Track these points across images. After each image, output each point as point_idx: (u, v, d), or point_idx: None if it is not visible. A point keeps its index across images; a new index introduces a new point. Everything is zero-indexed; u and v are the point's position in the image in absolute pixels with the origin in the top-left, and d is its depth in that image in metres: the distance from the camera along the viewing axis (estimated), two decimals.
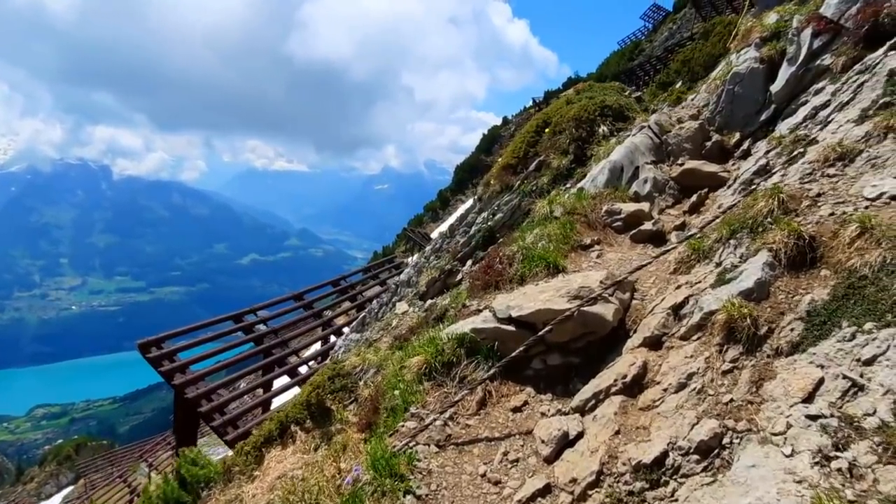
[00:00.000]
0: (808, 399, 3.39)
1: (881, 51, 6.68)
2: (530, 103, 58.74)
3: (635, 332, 5.09)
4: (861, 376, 3.28)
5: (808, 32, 7.82)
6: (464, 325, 5.81)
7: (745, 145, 8.22)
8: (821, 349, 3.62)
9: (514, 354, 4.92)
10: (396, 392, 5.48)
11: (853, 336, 3.51)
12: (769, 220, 5.13)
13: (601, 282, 5.30)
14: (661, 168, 8.12)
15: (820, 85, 7.48)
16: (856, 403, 3.19)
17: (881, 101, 5.84)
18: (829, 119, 6.62)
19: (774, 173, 5.91)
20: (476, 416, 5.00)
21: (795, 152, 6.26)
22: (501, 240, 11.52)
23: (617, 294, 5.32)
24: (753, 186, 6.04)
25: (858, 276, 3.82)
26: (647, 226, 6.80)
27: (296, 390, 17.46)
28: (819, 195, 5.14)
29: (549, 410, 4.92)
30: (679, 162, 8.16)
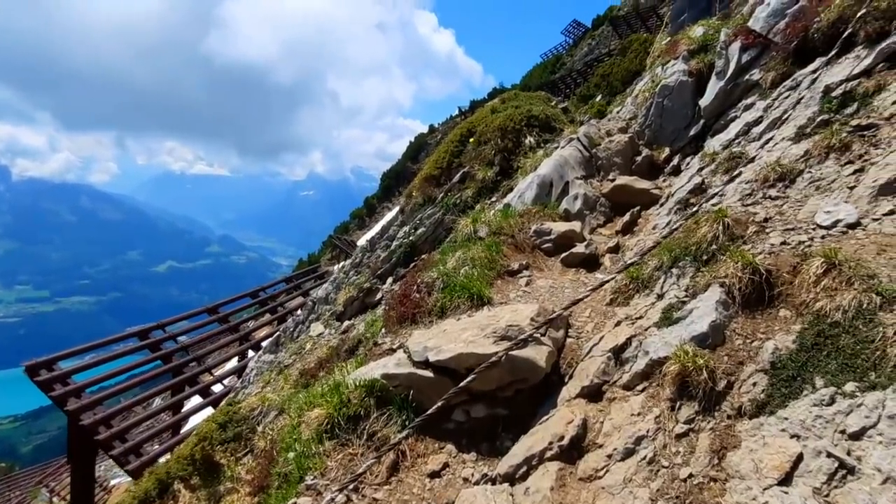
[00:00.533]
0: (786, 480, 2.72)
1: (811, 67, 6.36)
2: (456, 112, 58.49)
3: (571, 377, 4.35)
4: (849, 454, 2.63)
5: (736, 46, 7.47)
6: (374, 369, 4.89)
7: (675, 161, 7.79)
8: (794, 413, 2.97)
9: (430, 412, 4.05)
10: (291, 455, 4.48)
11: (832, 399, 2.87)
12: (714, 246, 4.55)
13: (532, 319, 4.53)
14: (592, 183, 7.54)
15: (749, 100, 7.13)
16: (847, 491, 2.53)
17: (819, 119, 5.44)
18: (763, 136, 6.21)
19: (714, 194, 5.37)
20: (386, 486, 4.09)
21: (736, 171, 5.78)
22: (424, 257, 10.68)
23: (550, 332, 4.57)
24: (694, 207, 5.49)
25: (829, 321, 3.22)
26: (580, 248, 6.13)
27: (209, 411, 15.92)
28: (766, 220, 4.61)
29: (472, 475, 4.08)
30: (610, 177, 7.61)
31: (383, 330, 6.33)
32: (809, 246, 3.90)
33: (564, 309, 4.60)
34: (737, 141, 6.57)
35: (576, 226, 6.50)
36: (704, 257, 4.57)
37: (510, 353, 4.21)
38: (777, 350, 3.33)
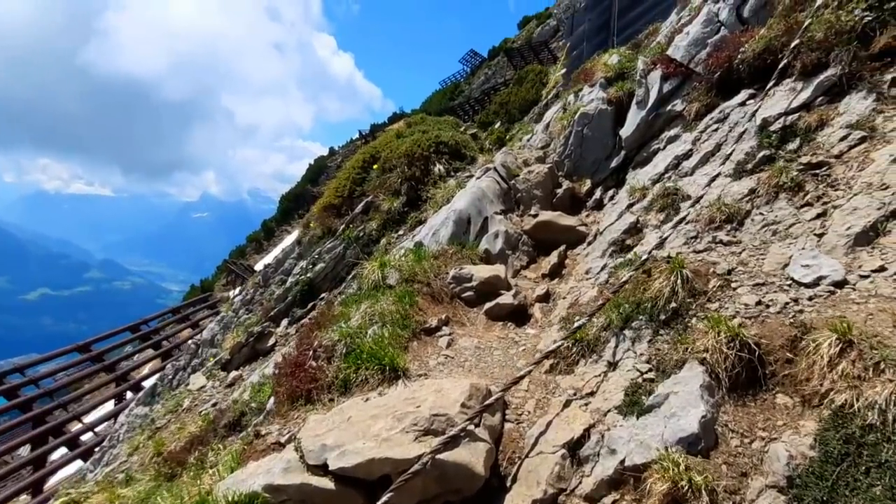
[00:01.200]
0: None
1: (738, 99, 5.92)
2: (357, 135, 57.04)
3: (515, 480, 3.31)
4: None
5: (656, 75, 6.99)
6: (255, 475, 3.59)
7: (598, 194, 7.15)
8: None
9: None
10: None
11: None
12: (674, 304, 3.76)
13: (463, 405, 3.46)
14: (512, 219, 6.68)
15: (673, 132, 6.63)
16: None
17: (760, 155, 4.90)
18: (697, 171, 5.65)
19: (662, 239, 4.63)
20: None
21: (673, 210, 5.13)
22: (323, 296, 9.37)
23: (485, 419, 3.52)
24: (633, 251, 4.72)
25: (860, 424, 2.42)
26: (506, 297, 5.19)
27: (78, 464, 13.47)
28: (729, 272, 3.88)
29: None
30: (532, 212, 6.80)
31: (272, 400, 5.01)
32: (801, 311, 3.16)
33: (503, 390, 3.57)
34: (667, 175, 5.97)
35: (499, 270, 5.56)
36: (662, 316, 3.77)
37: (438, 456, 3.10)
38: (792, 459, 2.49)
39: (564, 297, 5.23)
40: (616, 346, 3.89)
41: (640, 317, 3.89)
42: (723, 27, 6.52)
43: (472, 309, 5.30)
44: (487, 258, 6.00)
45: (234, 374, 9.46)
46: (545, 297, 5.35)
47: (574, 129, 7.49)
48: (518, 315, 5.14)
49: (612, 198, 7.05)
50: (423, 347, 4.59)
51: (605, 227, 6.03)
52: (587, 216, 6.91)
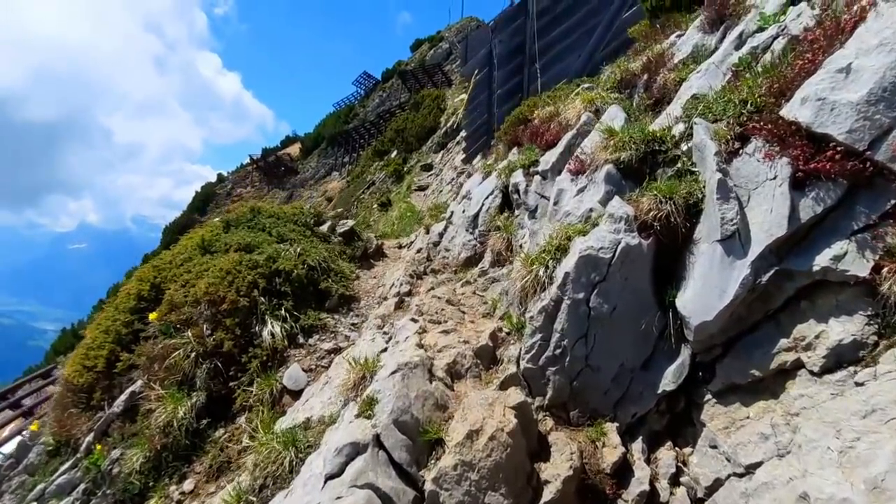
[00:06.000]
0: None
1: None
2: (247, 160, 49.71)
3: None
4: None
5: (769, 171, 2.63)
6: None
7: (639, 462, 2.65)
8: None
9: None
10: None
11: None
12: None
13: None
14: None
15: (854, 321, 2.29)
16: None
17: None
18: None
19: None
20: None
21: None
22: None
23: None
24: None
25: None
26: None
27: None
28: None
29: None
30: None
31: None
32: None
33: None
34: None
35: None
36: None
37: None
38: None
39: None
40: None
41: None
42: None
43: None
44: None
45: None
46: None
47: (567, 296, 2.91)
48: None
49: (673, 478, 2.61)
50: None
51: None
52: None
